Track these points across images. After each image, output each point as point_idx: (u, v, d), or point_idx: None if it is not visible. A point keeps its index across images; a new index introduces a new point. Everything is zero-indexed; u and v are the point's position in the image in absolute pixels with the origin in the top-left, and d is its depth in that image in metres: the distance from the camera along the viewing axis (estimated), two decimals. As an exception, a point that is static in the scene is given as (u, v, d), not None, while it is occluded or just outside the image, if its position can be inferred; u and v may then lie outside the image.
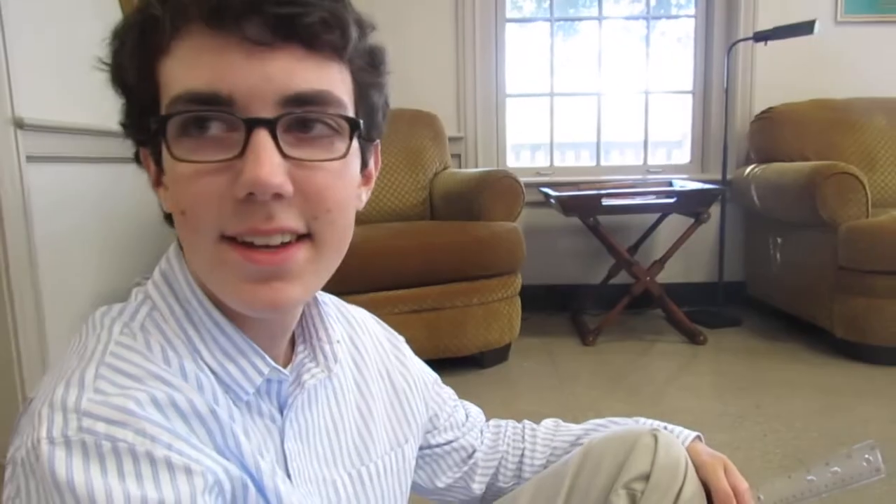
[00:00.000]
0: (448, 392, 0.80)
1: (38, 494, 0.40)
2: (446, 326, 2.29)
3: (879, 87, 3.01)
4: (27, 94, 1.71)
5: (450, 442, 0.77)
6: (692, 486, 0.67)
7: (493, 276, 2.35)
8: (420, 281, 2.25)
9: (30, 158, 1.72)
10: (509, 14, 3.28)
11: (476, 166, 3.17)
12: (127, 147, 0.54)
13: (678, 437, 0.72)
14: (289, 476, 0.53)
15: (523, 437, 0.82)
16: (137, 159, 0.54)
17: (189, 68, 0.44)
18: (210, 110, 0.43)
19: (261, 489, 0.48)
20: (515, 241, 2.36)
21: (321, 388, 0.59)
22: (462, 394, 0.85)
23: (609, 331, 2.74)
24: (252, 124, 0.43)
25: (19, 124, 1.67)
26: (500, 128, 3.30)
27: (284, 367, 0.55)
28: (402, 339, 0.76)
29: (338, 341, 0.59)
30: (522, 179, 2.54)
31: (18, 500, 0.42)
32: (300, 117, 0.45)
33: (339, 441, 0.60)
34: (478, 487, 0.79)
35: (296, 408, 0.55)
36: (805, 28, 2.63)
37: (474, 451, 0.79)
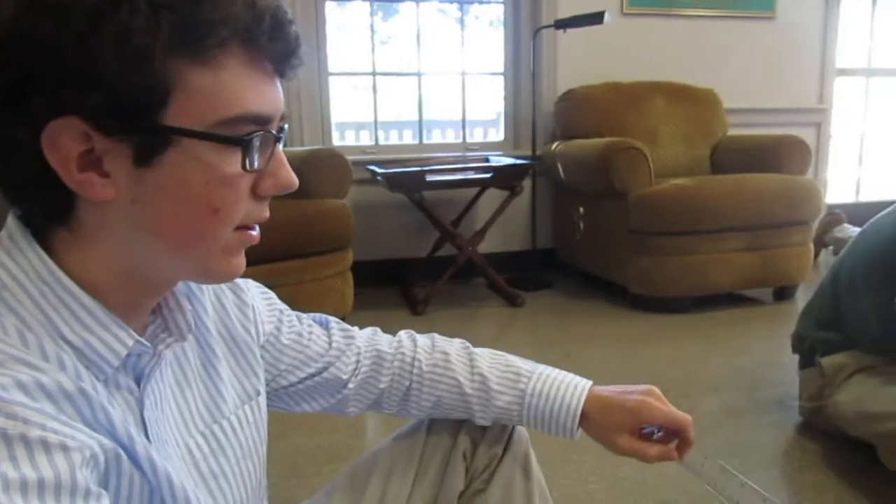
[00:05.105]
0: (297, 329, 0.78)
1: None
2: (279, 305, 2.28)
3: (660, 73, 3.45)
4: None
5: (307, 378, 0.78)
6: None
7: (325, 253, 2.39)
8: (251, 259, 2.22)
9: None
10: (328, -8, 3.28)
11: (301, 145, 3.16)
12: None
13: (576, 387, 0.83)
14: (149, 443, 0.55)
15: (411, 371, 0.83)
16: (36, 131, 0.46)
17: (246, 90, 0.50)
18: (267, 130, 0.52)
19: (134, 458, 0.50)
20: (344, 216, 2.42)
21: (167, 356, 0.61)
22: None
23: (437, 300, 2.90)
24: (278, 139, 0.53)
25: None
26: (325, 106, 3.31)
27: None
28: (249, 284, 0.75)
29: (190, 309, 0.61)
30: (349, 158, 2.59)
31: None
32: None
33: (188, 404, 0.62)
34: (354, 412, 0.83)
35: (153, 378, 0.57)
36: (596, 18, 2.94)
37: (346, 384, 0.80)
